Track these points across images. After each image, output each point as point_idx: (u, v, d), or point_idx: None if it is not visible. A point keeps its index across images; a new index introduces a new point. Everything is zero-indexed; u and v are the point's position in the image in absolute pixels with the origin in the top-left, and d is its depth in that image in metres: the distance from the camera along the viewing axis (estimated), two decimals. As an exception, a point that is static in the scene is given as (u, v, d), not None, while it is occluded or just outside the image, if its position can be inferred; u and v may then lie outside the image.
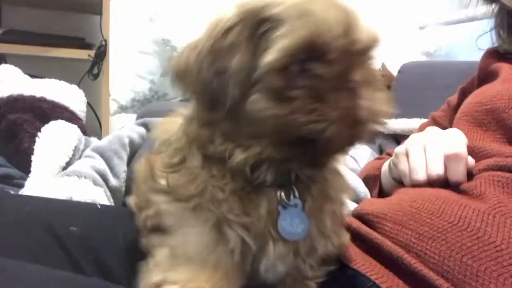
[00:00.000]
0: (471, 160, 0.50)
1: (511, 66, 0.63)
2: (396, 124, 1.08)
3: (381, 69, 1.73)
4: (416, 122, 1.02)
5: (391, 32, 1.81)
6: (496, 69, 0.67)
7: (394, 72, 1.47)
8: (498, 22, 0.71)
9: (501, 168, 0.47)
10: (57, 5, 1.54)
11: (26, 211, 0.41)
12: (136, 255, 0.40)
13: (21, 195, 0.54)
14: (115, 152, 0.66)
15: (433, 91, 1.12)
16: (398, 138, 1.08)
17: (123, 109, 1.47)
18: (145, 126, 0.73)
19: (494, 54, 0.71)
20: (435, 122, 0.80)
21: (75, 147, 0.68)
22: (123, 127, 0.82)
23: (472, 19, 0.87)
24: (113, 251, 0.40)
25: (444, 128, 0.75)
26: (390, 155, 0.82)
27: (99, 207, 0.45)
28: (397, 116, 1.11)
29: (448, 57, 1.43)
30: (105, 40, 1.40)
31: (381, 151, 1.12)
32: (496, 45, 0.73)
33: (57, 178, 0.55)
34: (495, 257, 0.37)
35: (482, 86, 0.66)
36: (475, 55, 0.76)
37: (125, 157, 0.68)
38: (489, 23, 0.76)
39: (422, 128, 0.81)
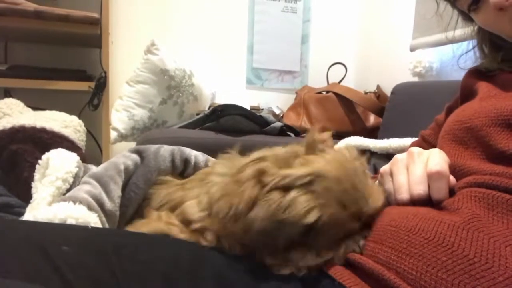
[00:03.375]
0: (452, 179, 0.52)
1: (488, 84, 0.66)
2: (388, 144, 1.10)
3: (376, 90, 1.77)
4: (408, 141, 1.04)
5: (384, 55, 1.85)
6: (476, 88, 0.69)
7: (388, 93, 1.51)
8: (480, 39, 0.74)
9: (479, 185, 0.49)
10: (59, 40, 1.60)
11: (18, 233, 0.42)
12: (128, 268, 0.41)
13: (13, 219, 0.56)
14: (111, 178, 0.68)
15: (425, 110, 1.14)
16: (391, 157, 1.09)
17: (123, 137, 1.50)
18: (139, 153, 0.74)
19: (475, 73, 0.73)
20: (424, 140, 0.82)
21: (76, 174, 0.69)
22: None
23: (451, 41, 0.90)
24: (105, 267, 0.41)
25: (433, 145, 0.77)
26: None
27: (90, 228, 0.47)
28: (390, 136, 1.14)
29: (439, 77, 1.46)
30: (105, 72, 1.45)
31: (375, 170, 1.13)
32: (478, 63, 0.75)
33: (54, 204, 0.57)
34: (469, 270, 0.38)
35: (463, 105, 0.68)
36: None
37: (121, 183, 0.69)
38: (469, 44, 0.79)
39: (412, 146, 0.83)
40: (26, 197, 0.69)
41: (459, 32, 0.80)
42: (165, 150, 0.75)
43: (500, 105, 0.55)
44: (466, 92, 0.72)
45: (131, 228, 0.59)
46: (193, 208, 0.53)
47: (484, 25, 0.68)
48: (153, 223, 0.55)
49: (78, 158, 0.70)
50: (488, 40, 0.72)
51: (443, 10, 0.74)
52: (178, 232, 0.52)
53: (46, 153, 0.68)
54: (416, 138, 0.92)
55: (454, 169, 0.55)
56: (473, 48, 0.77)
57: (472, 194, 0.47)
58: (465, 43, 0.80)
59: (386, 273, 0.42)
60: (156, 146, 0.77)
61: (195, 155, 0.77)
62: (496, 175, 0.48)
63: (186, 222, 0.52)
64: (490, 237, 0.41)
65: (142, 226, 0.56)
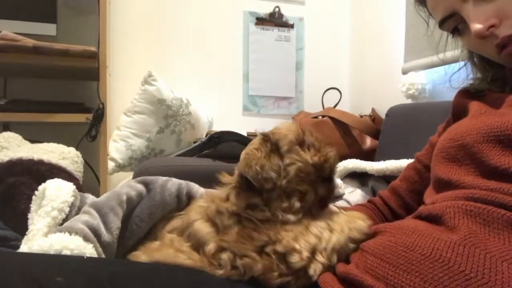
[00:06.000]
0: None
1: (479, 103, 0.67)
2: (385, 166, 1.11)
3: (371, 113, 1.79)
4: (404, 163, 1.04)
5: (377, 78, 1.89)
6: (467, 107, 0.70)
7: (383, 116, 1.53)
8: (470, 57, 0.76)
9: (475, 200, 0.49)
10: (57, 75, 1.63)
11: (11, 264, 0.42)
12: None
13: (6, 251, 0.55)
14: (111, 209, 0.67)
15: (419, 130, 1.15)
16: (389, 179, 1.10)
17: (121, 167, 1.50)
18: (145, 184, 0.73)
19: (465, 93, 0.75)
20: (419, 162, 0.82)
21: (72, 203, 0.69)
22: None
23: (443, 63, 0.92)
24: None
25: (426, 166, 0.77)
26: (381, 197, 0.83)
27: (85, 258, 0.46)
28: (387, 157, 1.15)
29: (432, 98, 1.48)
30: (103, 104, 1.47)
31: (374, 192, 1.13)
32: (468, 83, 0.77)
33: (49, 234, 0.57)
34: (465, 286, 0.39)
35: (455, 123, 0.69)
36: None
37: (121, 214, 0.68)
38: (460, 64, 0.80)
39: (408, 168, 0.84)
40: (23, 229, 0.68)
41: (450, 54, 0.82)
42: (173, 184, 0.73)
43: (490, 122, 0.56)
44: (458, 111, 0.73)
45: (143, 250, 0.59)
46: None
47: (470, 48, 0.70)
48: (164, 249, 0.56)
49: (74, 187, 0.70)
50: (478, 60, 0.74)
51: (433, 29, 0.76)
52: (184, 259, 0.53)
53: (43, 183, 0.68)
54: (412, 159, 0.92)
55: (449, 185, 0.55)
56: (465, 64, 0.78)
57: (468, 208, 0.48)
58: (456, 63, 0.82)
59: None
60: (164, 178, 0.75)
61: (201, 192, 0.75)
62: (491, 191, 0.49)
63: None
64: (486, 252, 0.41)
65: (154, 252, 0.57)
